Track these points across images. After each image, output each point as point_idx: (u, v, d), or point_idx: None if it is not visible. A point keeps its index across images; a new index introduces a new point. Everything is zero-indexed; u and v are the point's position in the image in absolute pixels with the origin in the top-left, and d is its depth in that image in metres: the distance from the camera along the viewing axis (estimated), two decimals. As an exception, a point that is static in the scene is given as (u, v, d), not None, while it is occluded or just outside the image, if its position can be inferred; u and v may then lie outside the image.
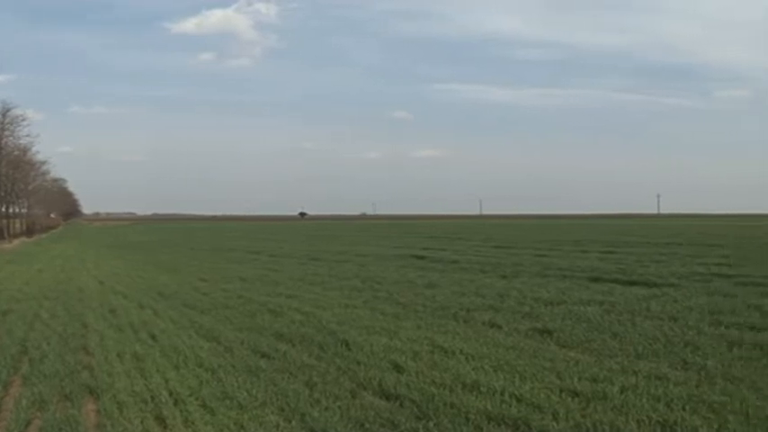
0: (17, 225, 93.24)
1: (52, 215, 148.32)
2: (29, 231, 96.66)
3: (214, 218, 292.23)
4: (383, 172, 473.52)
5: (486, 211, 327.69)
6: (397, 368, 10.84)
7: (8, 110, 73.87)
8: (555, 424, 8.20)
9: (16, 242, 72.60)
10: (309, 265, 31.57)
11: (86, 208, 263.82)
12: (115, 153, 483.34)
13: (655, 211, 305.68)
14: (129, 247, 57.09)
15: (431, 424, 8.30)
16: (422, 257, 34.98)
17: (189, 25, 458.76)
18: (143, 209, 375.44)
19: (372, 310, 16.79)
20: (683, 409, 8.57)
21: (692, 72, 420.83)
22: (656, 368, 10.60)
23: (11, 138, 75.73)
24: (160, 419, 8.78)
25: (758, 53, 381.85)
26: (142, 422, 8.67)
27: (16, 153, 78.80)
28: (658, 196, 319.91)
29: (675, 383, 9.73)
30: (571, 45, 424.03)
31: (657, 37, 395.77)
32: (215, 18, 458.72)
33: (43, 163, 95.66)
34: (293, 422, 8.51)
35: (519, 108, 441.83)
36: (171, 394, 9.73)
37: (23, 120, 76.05)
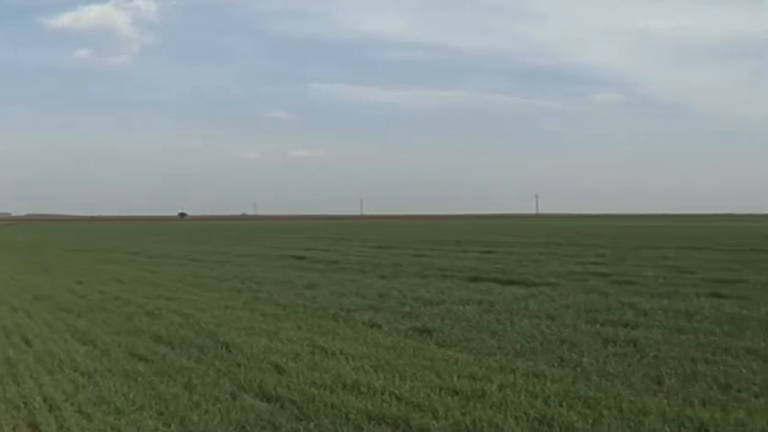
0: None
1: None
2: None
3: (92, 218, 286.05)
4: (263, 172, 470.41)
5: (367, 212, 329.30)
6: (278, 369, 10.79)
7: None
8: (435, 422, 8.26)
9: None
10: (189, 266, 31.16)
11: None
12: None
13: (534, 212, 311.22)
14: (2, 248, 55.48)
15: (311, 425, 8.28)
16: (303, 258, 34.88)
17: (66, 20, 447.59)
18: (18, 209, 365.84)
19: (252, 312, 16.65)
20: (560, 405, 8.74)
21: (569, 76, 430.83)
22: (533, 366, 10.78)
23: None
24: (34, 426, 8.56)
25: (630, 59, 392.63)
26: (14, 429, 8.45)
27: None
28: (537, 197, 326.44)
29: (552, 380, 9.91)
30: (451, 48, 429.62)
31: (535, 41, 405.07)
32: (93, 14, 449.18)
33: None
34: (172, 426, 8.39)
35: (399, 108, 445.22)
36: (45, 400, 9.49)
37: None
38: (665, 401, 8.84)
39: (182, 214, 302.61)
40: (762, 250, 35.58)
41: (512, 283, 21.85)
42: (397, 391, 9.39)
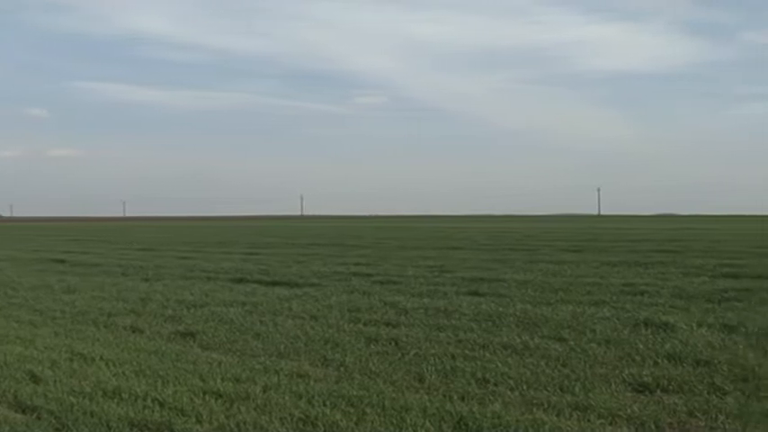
0: None
1: None
2: None
3: None
4: (20, 171, 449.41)
5: (131, 213, 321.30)
6: (34, 378, 10.37)
7: None
8: (199, 427, 8.18)
9: None
10: (-63, 272, 29.47)
11: None
12: None
13: (299, 213, 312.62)
14: None
15: (70, 434, 8.03)
16: (62, 261, 33.66)
17: None
18: None
19: (6, 318, 15.96)
20: (324, 404, 8.81)
21: (336, 79, 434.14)
22: (297, 366, 10.84)
23: None
24: None
25: (393, 63, 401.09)
26: None
27: None
28: (302, 198, 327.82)
29: (316, 380, 10.00)
30: (225, 49, 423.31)
31: (308, 44, 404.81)
32: None
33: None
34: None
35: (168, 109, 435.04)
36: None
37: None
38: (426, 397, 9.08)
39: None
40: (518, 249, 37.01)
41: (276, 284, 21.87)
42: (159, 397, 9.22)
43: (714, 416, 8.29)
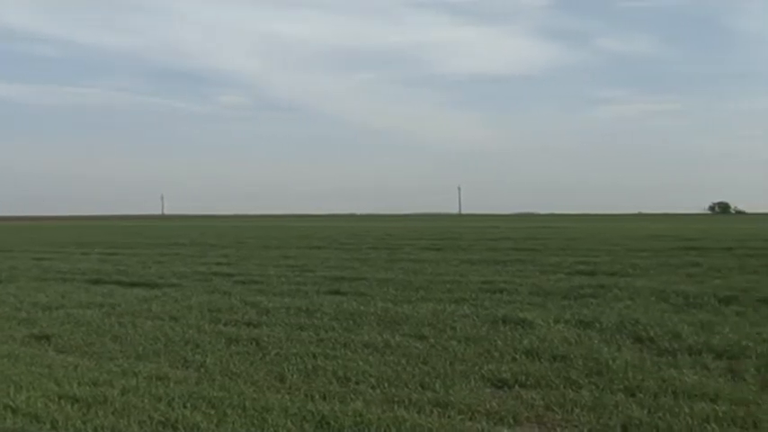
0: None
1: None
2: None
3: None
4: None
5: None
6: None
7: None
8: (54, 433, 7.98)
9: None
10: None
11: None
12: None
13: (159, 212, 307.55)
14: None
15: None
16: None
17: None
18: None
19: None
20: (184, 406, 8.70)
21: (198, 77, 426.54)
22: (156, 368, 10.68)
23: None
24: None
25: (257, 62, 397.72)
26: None
27: None
28: (162, 197, 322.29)
29: (176, 382, 9.87)
30: (83, 44, 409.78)
31: (171, 41, 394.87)
32: None
33: None
34: None
35: (29, 105, 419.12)
36: None
37: None
38: (287, 397, 9.07)
39: None
40: (380, 248, 37.16)
41: (134, 284, 21.50)
42: (12, 403, 8.93)
43: (570, 409, 8.53)
